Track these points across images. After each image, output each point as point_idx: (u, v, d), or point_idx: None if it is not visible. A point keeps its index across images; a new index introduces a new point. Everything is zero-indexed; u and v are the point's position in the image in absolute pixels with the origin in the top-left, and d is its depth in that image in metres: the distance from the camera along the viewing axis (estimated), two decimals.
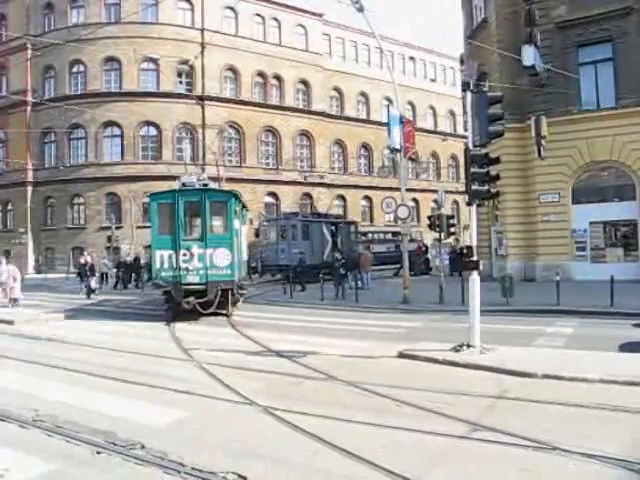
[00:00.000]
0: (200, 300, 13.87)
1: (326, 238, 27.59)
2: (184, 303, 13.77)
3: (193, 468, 4.70)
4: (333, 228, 28.28)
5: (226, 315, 14.73)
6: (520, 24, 21.67)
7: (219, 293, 13.98)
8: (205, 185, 15.57)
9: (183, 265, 14.01)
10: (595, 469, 4.57)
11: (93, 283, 19.60)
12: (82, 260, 21.66)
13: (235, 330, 12.65)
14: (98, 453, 5.10)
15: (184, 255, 14.05)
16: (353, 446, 5.00)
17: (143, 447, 5.20)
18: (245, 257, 19.18)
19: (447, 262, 25.46)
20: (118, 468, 4.81)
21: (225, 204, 14.68)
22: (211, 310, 14.17)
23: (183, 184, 15.14)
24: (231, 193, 15.85)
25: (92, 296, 20.57)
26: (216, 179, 23.92)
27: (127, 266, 27.06)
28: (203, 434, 5.62)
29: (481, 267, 9.63)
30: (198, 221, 14.94)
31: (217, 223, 14.79)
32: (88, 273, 21.00)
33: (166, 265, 14.16)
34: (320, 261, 26.05)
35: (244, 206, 18.68)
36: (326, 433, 5.37)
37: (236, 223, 14.99)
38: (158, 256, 14.27)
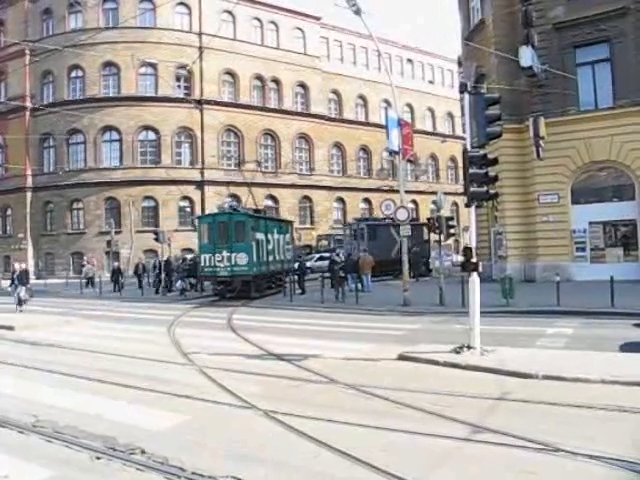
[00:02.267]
0: (229, 287, 20.37)
1: (394, 239, 28.00)
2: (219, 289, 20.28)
3: (194, 473, 4.67)
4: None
5: (249, 298, 20.12)
6: (517, 25, 21.73)
7: (240, 283, 20.18)
8: (234, 209, 22.63)
9: (218, 264, 20.14)
10: (598, 470, 4.55)
11: (23, 293, 18.89)
12: (16, 267, 20.13)
13: (235, 334, 12.63)
14: (98, 458, 5.07)
15: (218, 257, 20.13)
16: (354, 449, 4.98)
17: (143, 452, 5.17)
18: (283, 257, 24.60)
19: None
20: (118, 473, 4.78)
21: (243, 223, 20.68)
22: (234, 294, 20.00)
23: (218, 210, 22.12)
24: (248, 215, 21.78)
25: (21, 307, 18.40)
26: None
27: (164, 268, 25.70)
28: (203, 438, 5.60)
29: (480, 268, 9.62)
30: (227, 234, 20.42)
31: (239, 236, 20.37)
32: (16, 282, 19.59)
33: (207, 264, 20.48)
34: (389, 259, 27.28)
35: (282, 220, 27.26)
36: (327, 436, 5.35)
37: (256, 235, 20.94)
38: (202, 258, 20.72)
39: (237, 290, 20.11)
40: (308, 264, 27.61)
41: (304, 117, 44.20)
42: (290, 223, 28.88)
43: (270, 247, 22.69)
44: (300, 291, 21.96)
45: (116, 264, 28.96)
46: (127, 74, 37.80)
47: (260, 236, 21.68)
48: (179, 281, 23.62)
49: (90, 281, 28.82)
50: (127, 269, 33.19)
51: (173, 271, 25.23)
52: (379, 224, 29.70)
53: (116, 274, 26.86)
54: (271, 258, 22.90)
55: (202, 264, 20.69)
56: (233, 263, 19.92)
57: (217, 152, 39.75)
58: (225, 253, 20.02)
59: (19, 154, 39.36)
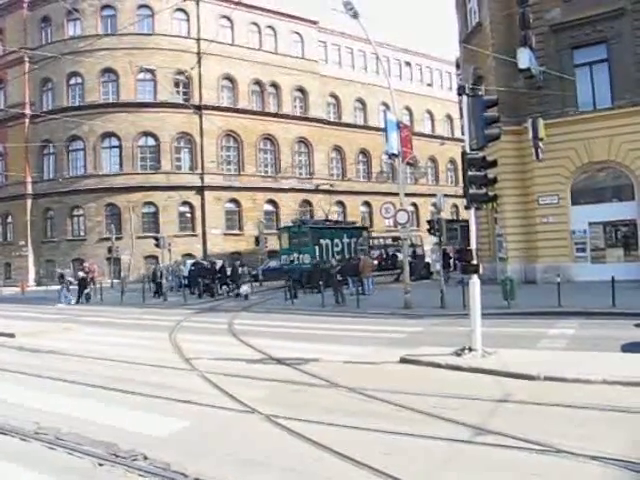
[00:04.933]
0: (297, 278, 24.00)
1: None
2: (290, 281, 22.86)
3: (196, 478, 4.67)
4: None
5: (314, 287, 23.06)
6: (515, 27, 21.74)
7: (306, 276, 24.65)
8: (302, 222, 29.28)
9: (291, 262, 25.92)
10: (600, 471, 4.54)
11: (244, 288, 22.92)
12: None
13: (236, 338, 12.62)
14: (100, 465, 5.06)
15: (291, 257, 26.25)
16: (357, 453, 4.98)
17: (146, 458, 5.17)
18: (354, 255, 28.15)
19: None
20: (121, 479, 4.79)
21: (305, 233, 26.82)
22: (302, 285, 24.05)
23: (292, 222, 29.38)
24: (310, 227, 27.59)
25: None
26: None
27: (207, 271, 25.99)
28: (206, 443, 5.60)
29: (481, 270, 9.62)
30: (295, 240, 26.67)
31: (304, 240, 26.54)
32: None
33: (286, 261, 26.55)
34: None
35: (354, 227, 32.26)
36: (329, 440, 5.35)
37: (320, 240, 27.00)
38: (282, 258, 27.31)
39: (303, 281, 24.62)
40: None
41: (303, 121, 44.27)
42: (364, 229, 33.28)
43: (338, 249, 27.89)
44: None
45: (80, 273, 26.91)
46: (126, 80, 37.91)
47: (325, 241, 27.39)
48: (245, 286, 23.93)
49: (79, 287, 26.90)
50: (128, 275, 33.22)
51: (238, 276, 24.90)
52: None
53: (82, 284, 25.57)
54: (339, 257, 27.26)
55: (282, 262, 27.18)
56: (300, 262, 25.59)
57: (216, 157, 39.83)
58: (295, 254, 26.08)
59: (19, 161, 39.46)
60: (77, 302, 24.71)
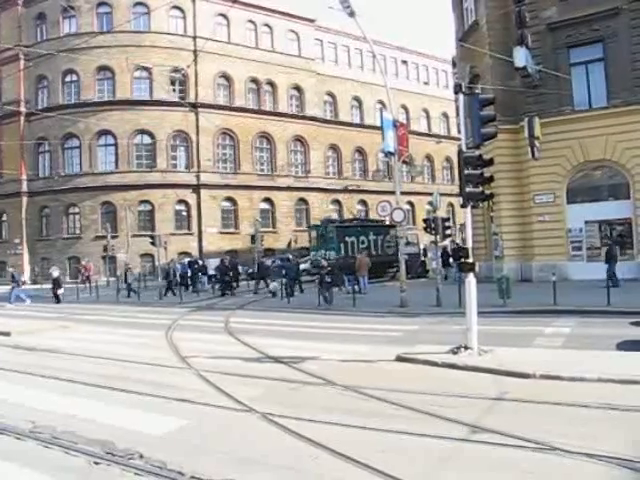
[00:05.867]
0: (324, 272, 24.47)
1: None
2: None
3: (193, 477, 4.66)
4: None
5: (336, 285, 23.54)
6: (511, 26, 21.79)
7: (332, 269, 23.87)
8: (330, 221, 32.08)
9: (319, 257, 26.01)
10: (596, 469, 4.56)
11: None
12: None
13: (233, 337, 12.61)
14: (96, 464, 5.05)
15: (319, 253, 27.65)
16: (354, 451, 4.98)
17: (142, 457, 5.15)
18: (381, 252, 30.08)
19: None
20: (117, 478, 4.77)
21: (331, 230, 28.93)
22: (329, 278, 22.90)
23: (320, 222, 31.63)
24: (335, 226, 29.82)
25: None
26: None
27: (229, 269, 25.66)
28: (202, 442, 5.59)
29: (477, 269, 9.63)
30: (322, 238, 28.98)
31: (329, 238, 28.64)
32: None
33: (315, 257, 27.46)
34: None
35: (382, 225, 31.04)
36: (326, 439, 5.35)
37: (345, 238, 28.77)
38: (312, 254, 29.24)
39: (330, 274, 25.79)
40: (303, 266, 28.31)
41: (299, 119, 44.23)
42: (391, 227, 33.22)
43: (364, 246, 29.10)
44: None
45: (55, 273, 25.61)
46: (122, 78, 37.79)
47: (350, 239, 29.07)
48: (274, 282, 23.90)
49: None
50: (125, 274, 33.09)
51: (267, 272, 26.00)
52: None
53: (55, 284, 24.60)
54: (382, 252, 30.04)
55: (312, 257, 28.91)
56: (327, 257, 26.34)
57: (212, 155, 39.76)
58: (322, 250, 27.98)
59: (14, 159, 39.31)
60: (57, 302, 23.90)
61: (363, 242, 29.29)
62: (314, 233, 30.38)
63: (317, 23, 45.55)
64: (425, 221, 18.51)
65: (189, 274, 28.65)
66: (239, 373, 8.58)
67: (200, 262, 30.19)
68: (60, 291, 24.62)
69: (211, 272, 27.92)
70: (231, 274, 25.38)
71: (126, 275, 26.69)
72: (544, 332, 11.54)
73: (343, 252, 28.08)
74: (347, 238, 28.95)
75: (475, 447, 5.15)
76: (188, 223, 38.90)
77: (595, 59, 21.31)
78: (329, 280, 19.30)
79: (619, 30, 20.56)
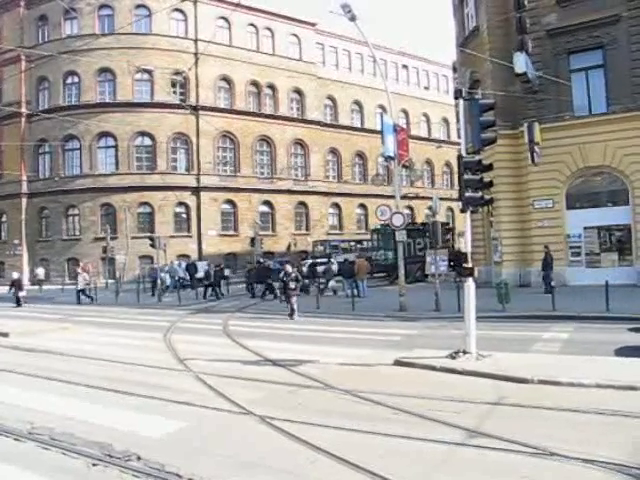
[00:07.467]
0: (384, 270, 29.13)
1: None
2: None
3: (190, 479, 4.67)
4: None
5: (389, 276, 27.81)
6: (511, 32, 21.84)
7: (390, 267, 27.19)
8: (388, 225, 30.94)
9: (380, 257, 29.91)
10: (594, 474, 4.57)
11: None
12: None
13: (231, 340, 12.61)
14: (94, 465, 5.06)
15: (379, 253, 30.28)
16: (352, 455, 4.99)
17: (140, 458, 5.16)
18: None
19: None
20: None
21: (389, 233, 26.48)
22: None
23: (380, 226, 30.77)
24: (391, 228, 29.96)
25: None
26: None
27: (268, 271, 24.94)
28: (200, 445, 5.59)
29: (476, 274, 9.65)
30: (382, 240, 30.48)
31: (387, 239, 28.47)
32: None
33: (377, 258, 30.23)
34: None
35: (442, 225, 30.31)
36: (324, 442, 5.35)
37: (402, 237, 27.34)
38: (373, 254, 31.19)
39: (389, 271, 28.23)
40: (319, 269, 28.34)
41: (300, 123, 44.26)
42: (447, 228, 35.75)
43: (420, 246, 30.21)
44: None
45: (15, 275, 24.53)
46: (123, 80, 37.81)
47: (407, 240, 29.33)
48: (332, 281, 23.98)
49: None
50: (123, 275, 33.12)
51: (269, 274, 24.27)
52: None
53: (15, 287, 23.14)
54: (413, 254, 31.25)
55: (374, 258, 30.44)
56: (385, 257, 29.27)
57: (213, 158, 39.77)
58: (382, 251, 30.10)
59: (14, 160, 39.29)
60: (17, 305, 22.63)
61: (419, 243, 30.64)
62: (375, 236, 32.64)
63: (318, 27, 45.63)
64: (423, 225, 18.49)
65: (187, 277, 28.76)
66: (238, 376, 8.58)
67: (197, 265, 30.43)
68: (22, 293, 23.18)
69: (200, 275, 28.00)
70: (212, 280, 24.68)
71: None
72: (543, 337, 11.54)
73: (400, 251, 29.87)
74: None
75: (473, 452, 5.16)
76: (188, 225, 38.89)
77: (595, 65, 21.36)
78: (292, 287, 16.76)
79: (619, 37, 20.62)
